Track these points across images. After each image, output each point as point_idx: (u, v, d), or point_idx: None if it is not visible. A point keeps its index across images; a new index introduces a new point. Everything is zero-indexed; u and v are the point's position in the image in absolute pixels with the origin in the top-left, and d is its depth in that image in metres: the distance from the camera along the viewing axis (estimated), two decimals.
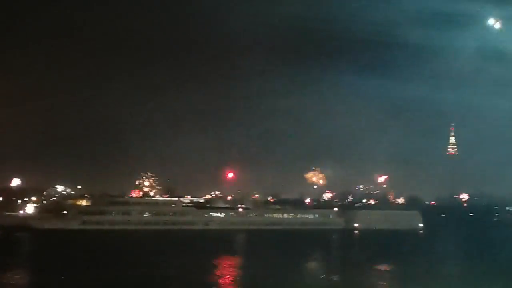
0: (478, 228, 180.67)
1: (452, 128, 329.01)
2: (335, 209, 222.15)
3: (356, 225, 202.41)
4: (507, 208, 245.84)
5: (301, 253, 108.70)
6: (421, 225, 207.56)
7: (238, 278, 77.14)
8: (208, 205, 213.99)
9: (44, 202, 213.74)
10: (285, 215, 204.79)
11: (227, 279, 75.59)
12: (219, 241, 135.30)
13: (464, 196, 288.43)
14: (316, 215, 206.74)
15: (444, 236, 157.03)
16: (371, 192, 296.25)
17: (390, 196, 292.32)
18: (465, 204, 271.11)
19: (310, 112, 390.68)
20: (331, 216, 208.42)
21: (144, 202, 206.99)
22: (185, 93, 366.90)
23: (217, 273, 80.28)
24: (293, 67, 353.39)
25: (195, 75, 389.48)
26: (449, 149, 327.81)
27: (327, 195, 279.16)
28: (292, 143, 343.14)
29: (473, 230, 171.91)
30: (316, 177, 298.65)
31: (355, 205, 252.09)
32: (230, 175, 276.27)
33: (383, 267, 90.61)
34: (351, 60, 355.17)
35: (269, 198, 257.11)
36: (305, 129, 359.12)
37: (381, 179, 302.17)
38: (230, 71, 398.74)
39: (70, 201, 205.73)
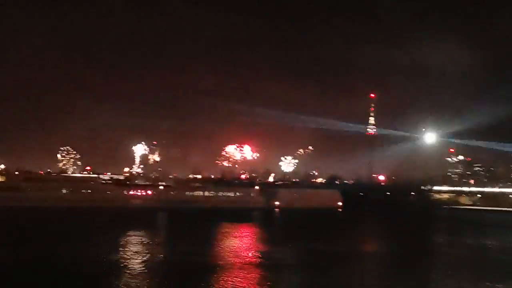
0: (394, 207, 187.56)
1: (372, 108, 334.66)
2: (257, 187, 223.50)
3: (277, 203, 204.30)
4: (422, 187, 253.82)
5: (220, 231, 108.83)
6: (340, 203, 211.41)
7: (149, 256, 75.53)
8: (128, 183, 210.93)
9: None
10: (206, 193, 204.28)
11: (137, 257, 73.81)
12: (135, 219, 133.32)
13: (382, 176, 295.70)
14: (238, 193, 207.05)
15: (361, 214, 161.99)
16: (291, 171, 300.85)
17: (311, 175, 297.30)
18: (382, 184, 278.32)
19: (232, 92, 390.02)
20: (252, 195, 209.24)
21: (62, 179, 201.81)
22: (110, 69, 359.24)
23: (127, 250, 78.65)
24: None
25: (123, 53, 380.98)
26: (368, 129, 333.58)
27: (248, 174, 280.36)
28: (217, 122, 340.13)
29: (389, 209, 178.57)
30: (238, 155, 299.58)
31: (276, 183, 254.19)
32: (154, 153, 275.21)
33: (302, 244, 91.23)
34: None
35: (190, 176, 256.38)
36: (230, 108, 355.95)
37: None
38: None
39: None
